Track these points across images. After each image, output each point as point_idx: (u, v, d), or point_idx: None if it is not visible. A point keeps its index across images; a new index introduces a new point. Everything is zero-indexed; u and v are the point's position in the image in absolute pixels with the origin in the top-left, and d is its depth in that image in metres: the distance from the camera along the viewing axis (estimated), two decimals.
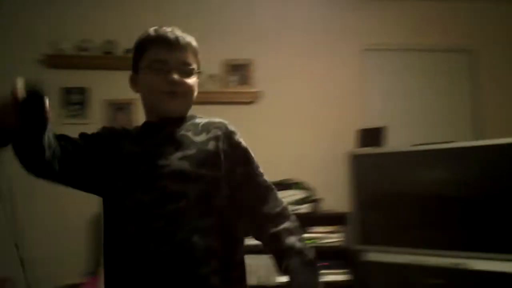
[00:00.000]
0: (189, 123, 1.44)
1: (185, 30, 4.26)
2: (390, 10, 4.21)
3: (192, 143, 1.37)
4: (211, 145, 1.39)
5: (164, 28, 1.43)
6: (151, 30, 1.44)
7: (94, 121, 3.97)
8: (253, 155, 1.54)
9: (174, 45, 1.39)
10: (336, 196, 3.83)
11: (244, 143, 1.52)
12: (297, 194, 3.70)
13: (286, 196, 3.65)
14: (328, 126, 4.07)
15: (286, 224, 1.38)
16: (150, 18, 4.10)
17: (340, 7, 4.19)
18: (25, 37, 4.04)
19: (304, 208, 3.65)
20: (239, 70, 4.07)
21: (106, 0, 4.12)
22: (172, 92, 1.38)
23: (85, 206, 3.86)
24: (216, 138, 1.41)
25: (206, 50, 4.15)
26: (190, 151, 1.35)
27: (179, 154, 1.34)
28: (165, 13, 4.13)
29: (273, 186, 1.50)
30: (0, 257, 3.79)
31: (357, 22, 4.19)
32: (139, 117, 3.97)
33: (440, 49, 4.23)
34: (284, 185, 3.74)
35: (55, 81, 3.98)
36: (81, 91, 4.02)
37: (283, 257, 1.31)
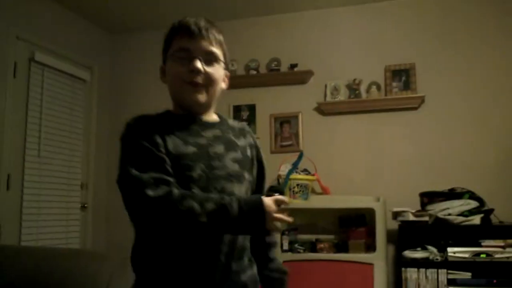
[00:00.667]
0: (226, 123, 1.47)
1: (344, 40, 4.34)
2: None
3: (237, 146, 1.41)
4: (249, 152, 1.46)
5: (189, 18, 1.38)
6: (176, 21, 1.40)
7: (262, 135, 4.23)
8: None
9: (196, 33, 1.34)
10: (511, 206, 3.51)
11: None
12: (467, 204, 3.46)
13: (456, 206, 3.45)
14: (502, 127, 3.75)
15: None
16: (309, 35, 4.27)
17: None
18: None
19: (475, 219, 3.41)
20: (401, 75, 3.98)
21: (269, 22, 4.37)
22: (194, 83, 1.34)
23: None
24: (251, 146, 1.48)
25: (367, 58, 4.22)
26: (237, 154, 1.39)
27: (230, 155, 1.37)
28: (322, 29, 4.25)
29: None
30: None
31: None
32: (303, 128, 4.16)
33: None
34: (454, 194, 3.54)
35: (227, 100, 4.35)
36: (250, 107, 4.32)
37: (271, 267, 1.59)
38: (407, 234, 3.56)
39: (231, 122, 1.50)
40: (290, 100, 4.23)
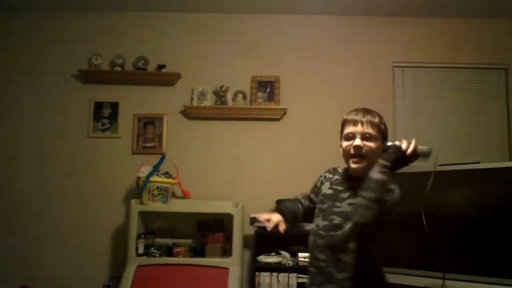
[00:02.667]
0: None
1: (215, 47, 4.35)
2: (423, 28, 4.21)
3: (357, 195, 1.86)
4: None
5: (357, 111, 2.03)
6: (348, 114, 2.06)
7: (123, 135, 4.08)
8: None
9: (358, 122, 1.95)
10: None
11: None
12: None
13: None
14: None
15: None
16: (181, 37, 4.23)
17: (371, 24, 4.22)
18: (63, 55, 4.21)
19: None
20: (266, 86, 4.12)
21: (140, 19, 4.24)
22: (355, 155, 1.92)
23: (109, 220, 3.99)
24: None
25: (235, 67, 4.29)
26: (355, 200, 1.85)
27: (349, 200, 1.92)
28: (195, 33, 4.24)
29: None
30: (20, 266, 3.93)
31: (388, 39, 4.21)
32: (168, 131, 4.10)
33: (475, 67, 4.19)
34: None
35: (89, 95, 4.13)
36: (112, 105, 4.14)
37: None
38: (263, 240, 3.68)
39: None
40: (155, 101, 4.15)
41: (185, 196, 3.90)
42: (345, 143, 1.97)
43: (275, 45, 4.22)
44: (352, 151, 1.92)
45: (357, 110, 2.02)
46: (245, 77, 4.15)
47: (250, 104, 4.11)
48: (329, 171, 2.18)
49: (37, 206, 4.00)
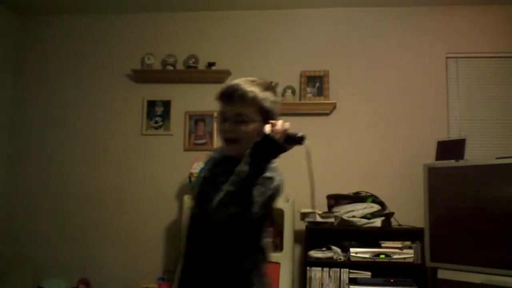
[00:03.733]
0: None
1: (264, 43, 4.38)
2: (476, 16, 4.08)
3: None
4: None
5: (232, 82, 1.70)
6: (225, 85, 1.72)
7: (175, 132, 4.18)
8: None
9: (228, 98, 1.66)
10: (410, 210, 3.74)
11: None
12: (370, 207, 3.65)
13: (360, 209, 3.62)
14: (407, 137, 3.99)
15: None
16: (230, 35, 4.28)
17: (423, 15, 4.12)
18: (117, 55, 4.35)
19: (377, 222, 3.60)
20: (315, 81, 4.11)
21: (189, 18, 4.32)
22: (225, 139, 1.65)
23: (163, 216, 4.10)
24: None
25: (284, 63, 4.30)
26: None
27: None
28: (244, 30, 4.28)
29: None
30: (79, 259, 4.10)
31: (440, 30, 4.10)
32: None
33: None
34: (358, 198, 3.72)
35: (141, 94, 4.25)
36: (165, 103, 4.24)
37: None
38: (314, 235, 3.68)
39: None
40: (206, 98, 4.21)
41: None
42: (218, 125, 1.70)
43: (324, 40, 4.20)
44: (221, 134, 1.67)
45: (232, 84, 1.69)
46: (294, 72, 4.15)
47: (300, 99, 4.10)
48: (215, 150, 1.88)
49: (93, 202, 4.16)
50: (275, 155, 1.58)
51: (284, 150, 1.58)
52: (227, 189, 1.49)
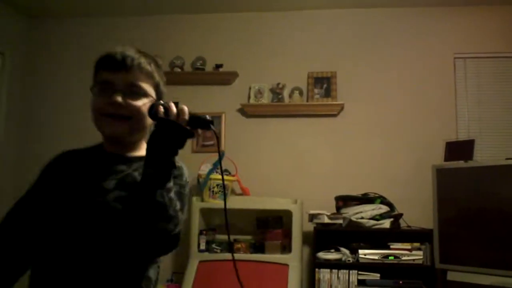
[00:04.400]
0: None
1: (271, 44, 4.40)
2: (484, 17, 4.06)
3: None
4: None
5: (118, 48, 1.37)
6: (105, 52, 1.39)
7: None
8: None
9: (120, 65, 1.32)
10: (419, 211, 3.73)
11: None
12: (379, 209, 3.63)
13: (368, 210, 3.61)
14: (415, 138, 3.98)
15: None
16: (237, 37, 4.29)
17: (431, 15, 4.11)
18: None
19: (385, 223, 3.59)
20: (322, 82, 4.11)
21: (197, 20, 4.34)
22: (112, 115, 1.30)
23: None
24: None
25: (291, 64, 4.30)
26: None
27: (116, 193, 1.28)
28: (251, 31, 4.28)
29: None
30: None
31: (448, 30, 4.09)
32: (226, 129, 4.17)
33: None
34: (366, 199, 3.71)
35: None
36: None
37: None
38: (322, 236, 3.67)
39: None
40: (214, 100, 4.23)
41: (244, 193, 3.96)
42: (97, 98, 1.32)
43: (331, 41, 4.20)
44: (108, 109, 1.30)
45: (123, 51, 1.36)
46: (302, 73, 4.15)
47: (307, 101, 4.10)
48: (58, 157, 1.46)
49: None
50: (182, 143, 1.26)
51: (191, 135, 1.28)
52: (143, 205, 1.16)
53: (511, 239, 3.00)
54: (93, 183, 1.29)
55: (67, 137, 4.31)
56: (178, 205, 1.24)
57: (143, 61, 1.35)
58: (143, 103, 1.31)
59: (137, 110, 1.30)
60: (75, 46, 4.43)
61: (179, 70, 4.23)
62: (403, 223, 3.69)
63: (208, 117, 1.31)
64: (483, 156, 3.80)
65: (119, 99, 1.28)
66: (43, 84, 4.43)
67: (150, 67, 1.37)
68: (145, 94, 1.33)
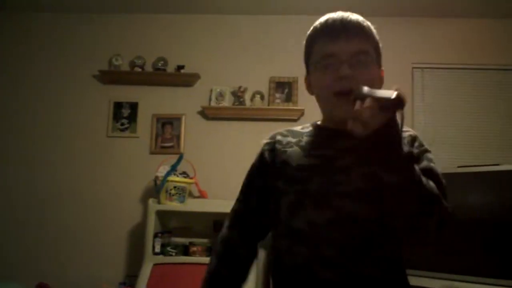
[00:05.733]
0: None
1: (234, 48, 4.40)
2: (442, 29, 4.18)
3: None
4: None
5: (332, 15, 1.24)
6: (318, 22, 1.28)
7: (142, 135, 4.12)
8: None
9: (340, 33, 1.19)
10: None
11: None
12: None
13: None
14: None
15: None
16: (200, 38, 4.27)
17: (390, 25, 4.19)
18: (83, 55, 4.27)
19: None
20: (284, 87, 4.13)
21: (160, 20, 4.29)
22: (343, 93, 1.14)
23: (126, 219, 4.04)
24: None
25: (253, 68, 4.31)
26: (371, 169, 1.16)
27: (361, 169, 1.18)
28: (214, 34, 4.27)
29: None
30: (37, 263, 3.99)
31: (407, 40, 4.18)
32: (186, 131, 4.14)
33: (495, 68, 4.14)
34: None
35: (108, 95, 4.19)
36: (132, 105, 4.19)
37: None
38: None
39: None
40: (174, 101, 4.18)
41: (202, 196, 3.92)
42: (320, 75, 1.22)
43: (293, 46, 4.19)
44: (337, 87, 1.17)
45: (337, 15, 1.25)
46: (263, 78, 4.16)
47: (268, 105, 4.11)
48: (281, 134, 1.45)
49: (54, 204, 4.06)
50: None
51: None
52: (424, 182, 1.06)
53: (461, 244, 3.09)
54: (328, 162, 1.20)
55: (19, 133, 4.19)
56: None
57: (362, 20, 1.24)
58: (373, 73, 1.21)
59: (369, 81, 1.11)
60: (30, 42, 4.30)
61: (139, 70, 4.17)
62: None
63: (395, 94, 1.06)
64: (437, 163, 3.89)
65: (347, 71, 1.15)
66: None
67: (369, 26, 1.26)
68: (372, 61, 1.23)
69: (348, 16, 1.22)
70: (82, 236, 4.02)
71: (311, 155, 1.24)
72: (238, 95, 4.12)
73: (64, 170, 4.12)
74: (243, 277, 1.38)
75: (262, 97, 4.12)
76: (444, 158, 3.99)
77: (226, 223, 1.44)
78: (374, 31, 1.27)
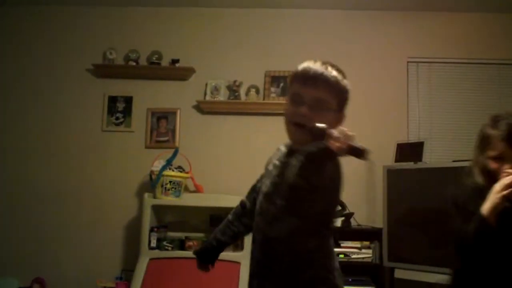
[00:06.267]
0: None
1: (229, 41, 4.37)
2: (437, 23, 4.17)
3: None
4: None
5: (310, 64, 1.55)
6: (301, 65, 1.58)
7: (137, 129, 4.11)
8: None
9: (309, 81, 1.49)
10: (369, 211, 3.80)
11: None
12: None
13: None
14: (367, 139, 3.97)
15: None
16: (195, 32, 4.24)
17: (386, 19, 4.19)
18: (77, 48, 4.24)
19: (336, 222, 3.64)
20: (279, 81, 4.12)
21: (154, 14, 4.26)
22: (298, 124, 1.48)
23: (122, 214, 4.03)
24: None
25: (248, 62, 4.30)
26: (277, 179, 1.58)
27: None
28: (209, 27, 4.25)
29: None
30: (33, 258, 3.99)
31: (402, 34, 4.18)
32: (181, 125, 4.13)
33: (490, 63, 4.15)
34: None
35: (103, 89, 4.16)
36: (126, 99, 4.17)
37: None
38: None
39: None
40: (169, 95, 4.17)
41: (197, 190, 3.92)
42: (289, 106, 1.54)
43: (289, 40, 4.21)
44: (295, 119, 1.50)
45: (314, 67, 1.54)
46: (259, 72, 4.15)
47: (263, 99, 4.11)
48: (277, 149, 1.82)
49: (51, 199, 4.05)
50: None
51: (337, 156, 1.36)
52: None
53: None
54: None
55: (14, 128, 4.17)
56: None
57: (331, 76, 1.51)
58: (327, 117, 1.46)
59: (323, 122, 1.35)
60: (25, 35, 4.26)
61: (134, 64, 4.14)
62: (354, 222, 3.76)
63: (364, 147, 1.31)
64: (432, 158, 3.91)
65: (304, 110, 1.46)
66: None
67: (335, 81, 1.51)
68: (330, 108, 1.49)
69: (322, 70, 1.51)
70: (78, 231, 4.01)
71: (267, 168, 1.76)
72: (233, 89, 4.10)
73: (58, 165, 4.10)
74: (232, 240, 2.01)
75: (257, 91, 4.11)
76: (440, 153, 4.00)
77: None
78: (341, 85, 1.53)
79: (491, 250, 1.74)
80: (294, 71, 1.57)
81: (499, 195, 1.64)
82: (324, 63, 1.57)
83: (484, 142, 1.80)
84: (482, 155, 1.80)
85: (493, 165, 1.75)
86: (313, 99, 1.47)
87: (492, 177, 1.71)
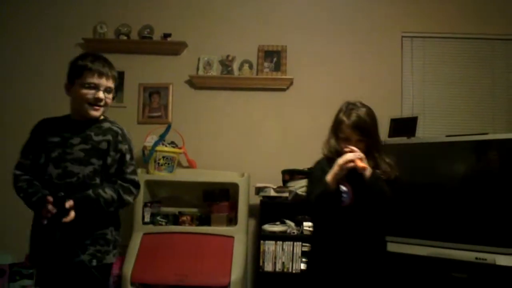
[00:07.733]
0: (95, 126, 2.13)
1: (222, 16, 4.28)
2: None
3: (90, 140, 2.10)
4: (103, 144, 2.11)
5: (97, 60, 2.09)
6: (88, 61, 2.08)
7: (129, 104, 4.08)
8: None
9: (103, 74, 2.07)
10: None
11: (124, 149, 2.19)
12: None
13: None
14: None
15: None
16: (187, 6, 4.18)
17: None
18: (67, 23, 4.17)
19: None
20: (272, 56, 4.09)
21: None
22: (96, 105, 2.07)
23: None
24: (108, 141, 2.11)
25: (241, 36, 4.24)
26: (87, 146, 2.08)
27: (81, 146, 2.08)
28: (202, 1, 4.19)
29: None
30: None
31: (397, 9, 4.13)
32: (173, 100, 4.10)
33: (484, 38, 4.12)
34: (308, 174, 3.76)
35: None
36: (118, 74, 4.11)
37: None
38: (269, 209, 3.71)
39: (105, 124, 2.16)
40: (161, 70, 4.12)
41: (190, 165, 3.92)
42: (84, 91, 2.07)
43: (282, 14, 4.16)
44: (93, 101, 2.06)
45: (97, 59, 2.10)
46: (252, 46, 4.11)
47: (257, 74, 4.07)
48: (39, 124, 2.30)
49: None
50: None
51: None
52: None
53: (448, 213, 3.14)
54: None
55: None
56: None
57: (112, 70, 2.12)
58: (110, 97, 2.13)
59: (108, 103, 2.13)
60: (11, 8, 4.18)
61: (125, 38, 4.09)
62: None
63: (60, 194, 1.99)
64: (425, 133, 3.93)
65: (102, 95, 2.08)
66: None
67: (115, 74, 2.14)
68: (112, 92, 2.13)
69: (108, 66, 2.14)
70: None
71: (57, 135, 2.19)
72: (226, 64, 4.07)
73: None
74: None
75: (250, 66, 4.08)
76: (433, 128, 4.01)
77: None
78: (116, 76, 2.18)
79: (331, 210, 2.17)
80: (83, 63, 2.09)
81: (340, 166, 2.09)
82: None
83: (337, 125, 2.29)
84: (334, 134, 2.28)
85: (341, 144, 2.22)
86: (106, 87, 2.10)
87: (339, 153, 2.17)
